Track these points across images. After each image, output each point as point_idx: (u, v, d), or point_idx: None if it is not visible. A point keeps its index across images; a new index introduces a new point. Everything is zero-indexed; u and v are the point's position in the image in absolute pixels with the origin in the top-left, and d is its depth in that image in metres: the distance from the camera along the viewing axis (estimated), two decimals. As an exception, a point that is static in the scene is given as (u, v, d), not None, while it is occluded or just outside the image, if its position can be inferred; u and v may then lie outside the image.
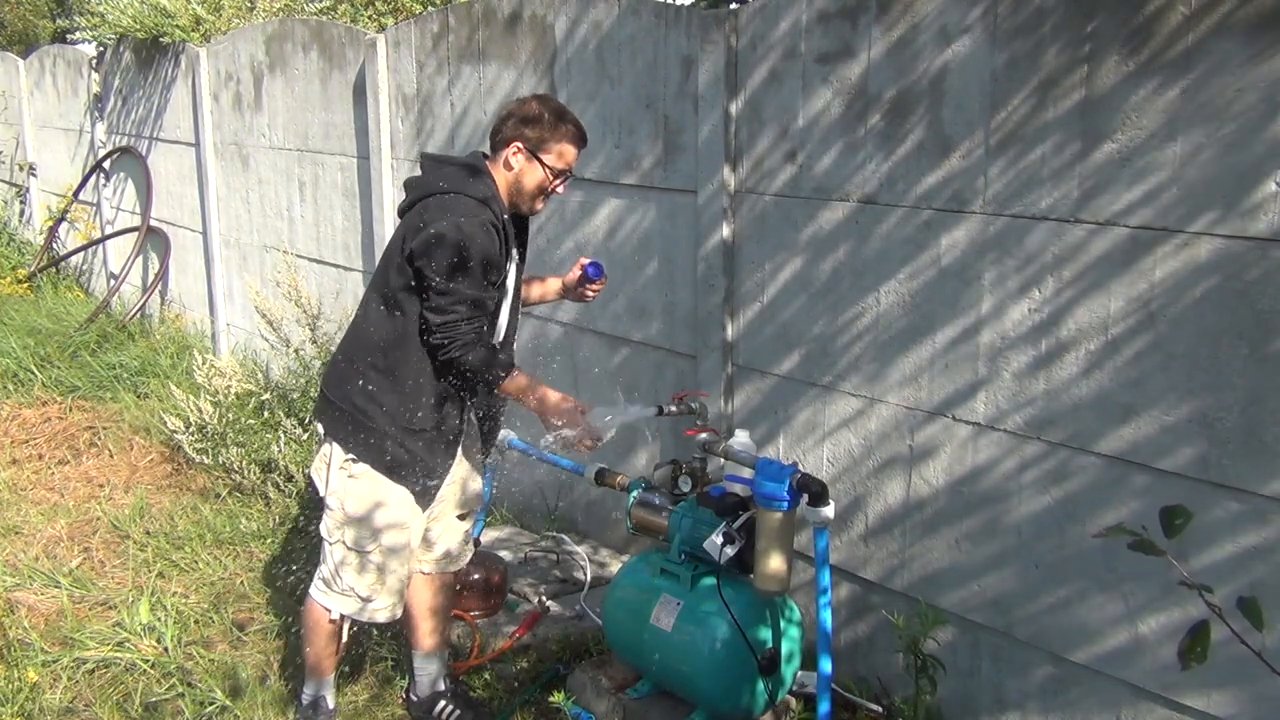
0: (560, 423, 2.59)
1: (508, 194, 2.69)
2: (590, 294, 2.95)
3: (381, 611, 2.84)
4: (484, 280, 2.58)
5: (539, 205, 2.73)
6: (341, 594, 2.80)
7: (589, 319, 3.81)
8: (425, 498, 2.79)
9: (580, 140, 2.70)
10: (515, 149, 2.66)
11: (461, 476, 2.91)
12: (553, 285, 3.05)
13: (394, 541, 2.77)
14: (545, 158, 2.65)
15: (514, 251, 2.73)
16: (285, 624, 3.56)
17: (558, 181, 2.69)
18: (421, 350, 2.63)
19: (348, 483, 2.73)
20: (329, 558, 2.80)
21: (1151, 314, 2.33)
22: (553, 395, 2.63)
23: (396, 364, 2.66)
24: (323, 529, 2.81)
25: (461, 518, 2.99)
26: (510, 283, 2.76)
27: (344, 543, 2.76)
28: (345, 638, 2.97)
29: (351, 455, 2.72)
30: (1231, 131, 2.16)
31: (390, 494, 2.73)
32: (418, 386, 2.66)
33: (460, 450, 2.84)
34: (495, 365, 2.62)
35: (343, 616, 2.85)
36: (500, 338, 2.79)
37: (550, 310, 3.95)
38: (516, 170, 2.67)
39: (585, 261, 2.89)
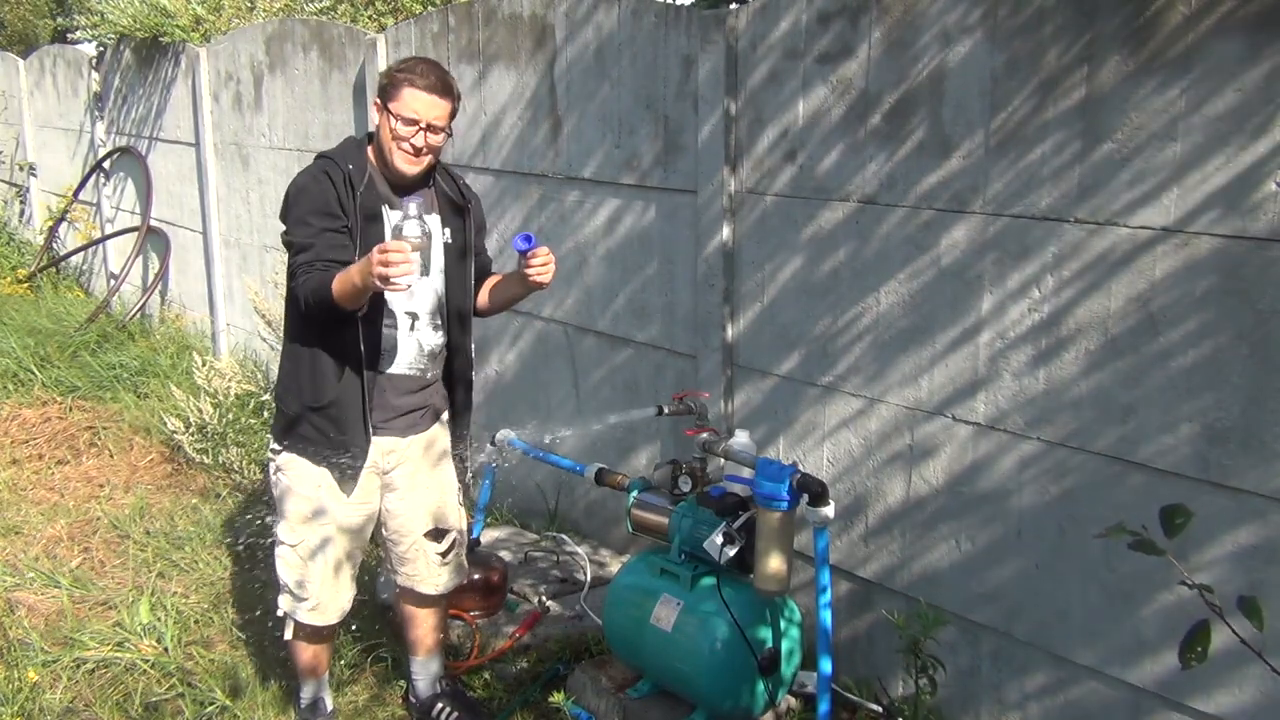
0: (381, 261, 2.26)
1: (379, 154, 2.64)
2: (534, 272, 2.60)
3: (316, 613, 2.79)
4: (320, 228, 2.51)
5: (401, 164, 2.59)
6: (282, 590, 2.82)
7: (589, 319, 3.80)
8: (348, 481, 2.70)
9: (427, 87, 2.54)
10: (375, 105, 2.62)
11: (421, 488, 2.82)
12: (515, 278, 2.77)
13: (317, 534, 2.72)
14: (391, 106, 2.56)
15: (384, 210, 2.61)
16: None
17: (410, 132, 2.55)
18: (308, 321, 2.57)
19: (276, 474, 2.76)
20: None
21: (1151, 314, 2.33)
22: (361, 261, 2.38)
23: (296, 338, 2.66)
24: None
25: (435, 537, 2.90)
26: (435, 255, 2.70)
27: (278, 535, 2.78)
28: (331, 637, 2.96)
29: (275, 445, 2.75)
30: (1231, 131, 2.16)
31: (309, 483, 2.69)
32: (313, 357, 2.61)
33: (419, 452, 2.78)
34: (321, 288, 2.43)
35: (285, 615, 2.84)
36: (422, 308, 2.69)
37: (551, 310, 3.95)
38: (379, 126, 2.63)
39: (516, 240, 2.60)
